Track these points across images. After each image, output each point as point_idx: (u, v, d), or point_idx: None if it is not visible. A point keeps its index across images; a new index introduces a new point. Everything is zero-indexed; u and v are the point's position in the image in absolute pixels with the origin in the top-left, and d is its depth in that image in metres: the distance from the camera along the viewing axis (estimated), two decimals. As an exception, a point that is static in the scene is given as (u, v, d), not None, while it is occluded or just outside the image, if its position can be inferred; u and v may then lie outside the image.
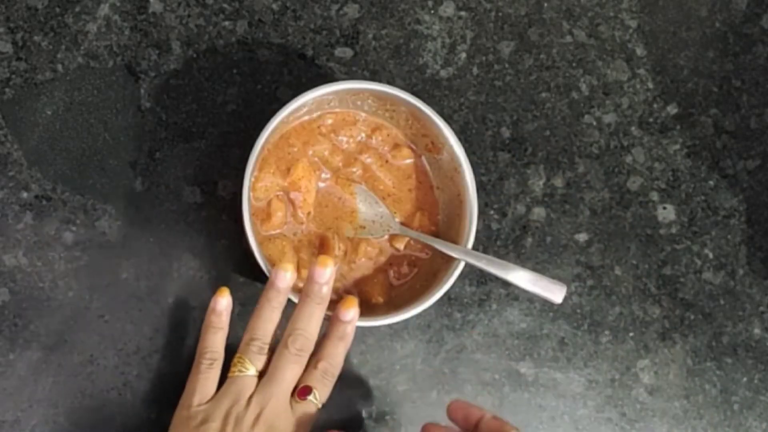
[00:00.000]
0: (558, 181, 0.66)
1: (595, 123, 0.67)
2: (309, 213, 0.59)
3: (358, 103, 0.60)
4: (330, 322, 0.56)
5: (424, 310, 0.56)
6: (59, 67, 0.61)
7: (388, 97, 0.58)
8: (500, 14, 0.67)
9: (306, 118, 0.60)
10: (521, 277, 0.55)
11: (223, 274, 0.61)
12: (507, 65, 0.66)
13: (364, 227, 0.60)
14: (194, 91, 0.62)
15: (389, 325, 0.62)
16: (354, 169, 0.60)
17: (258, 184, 0.58)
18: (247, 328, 0.56)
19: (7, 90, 0.60)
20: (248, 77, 0.63)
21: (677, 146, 0.68)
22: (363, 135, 0.61)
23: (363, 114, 0.61)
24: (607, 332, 0.65)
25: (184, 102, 0.62)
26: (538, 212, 0.65)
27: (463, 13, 0.66)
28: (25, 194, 0.59)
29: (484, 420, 0.53)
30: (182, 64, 0.62)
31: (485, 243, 0.64)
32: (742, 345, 0.67)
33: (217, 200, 0.61)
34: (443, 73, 0.65)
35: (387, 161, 0.61)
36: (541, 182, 0.66)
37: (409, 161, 0.61)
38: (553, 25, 0.67)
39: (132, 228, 0.60)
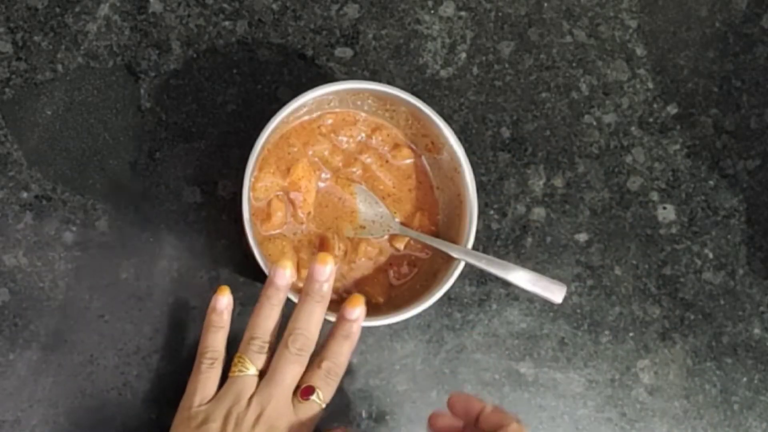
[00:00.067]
0: (558, 181, 0.66)
1: (595, 123, 0.67)
2: (309, 213, 0.59)
3: (358, 103, 0.60)
4: (336, 320, 0.56)
5: (424, 310, 0.56)
6: (59, 67, 0.61)
7: (388, 97, 0.58)
8: (500, 14, 0.67)
9: (306, 118, 0.60)
10: (521, 277, 0.55)
11: (223, 274, 0.61)
12: (507, 65, 0.66)
13: (364, 227, 0.60)
14: (194, 91, 0.62)
15: (389, 325, 0.62)
16: (354, 169, 0.60)
17: (258, 184, 0.58)
18: (247, 327, 0.55)
19: (7, 90, 0.60)
20: (248, 77, 0.63)
21: (677, 146, 0.68)
22: (363, 135, 0.61)
23: (363, 114, 0.61)
24: (607, 332, 0.65)
25: (184, 102, 0.62)
26: (538, 212, 0.65)
27: (463, 13, 0.66)
28: (25, 194, 0.59)
29: (485, 413, 0.52)
30: (182, 64, 0.62)
31: (485, 243, 0.64)
32: (742, 345, 0.67)
33: (217, 200, 0.61)
34: (443, 73, 0.65)
35: (387, 161, 0.61)
36: (541, 182, 0.66)
37: (409, 161, 0.61)
38: (553, 25, 0.67)
39: (132, 228, 0.60)
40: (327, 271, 0.54)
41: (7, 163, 0.59)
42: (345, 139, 0.60)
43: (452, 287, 0.57)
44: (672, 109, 0.68)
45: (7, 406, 0.58)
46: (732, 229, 0.68)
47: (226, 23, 0.63)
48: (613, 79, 0.67)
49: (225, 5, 0.63)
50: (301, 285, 0.58)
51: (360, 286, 0.60)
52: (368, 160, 0.61)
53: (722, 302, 0.67)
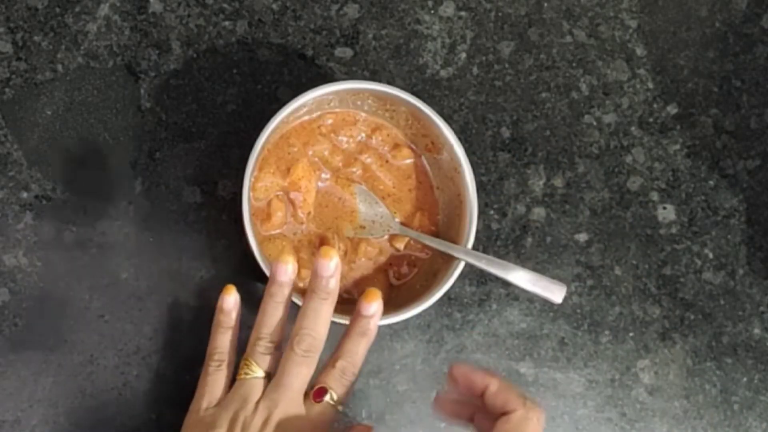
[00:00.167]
0: (558, 181, 0.66)
1: (595, 123, 0.67)
2: (309, 213, 0.59)
3: (358, 103, 0.60)
4: (352, 316, 0.54)
5: (424, 310, 0.56)
6: (59, 67, 0.61)
7: (388, 97, 0.58)
8: (500, 14, 0.67)
9: (306, 118, 0.60)
10: (521, 277, 0.55)
11: (223, 274, 0.61)
12: (507, 65, 0.66)
13: (364, 227, 0.60)
14: (194, 91, 0.62)
15: (389, 325, 0.62)
16: (354, 169, 0.60)
17: (258, 184, 0.58)
18: (253, 328, 0.54)
19: (7, 90, 0.60)
20: (248, 77, 0.63)
21: (677, 146, 0.68)
22: (363, 135, 0.61)
23: (363, 114, 0.61)
24: (607, 332, 0.65)
25: (184, 102, 0.62)
26: (538, 212, 0.65)
27: (463, 13, 0.66)
28: (25, 194, 0.59)
29: (489, 392, 0.49)
30: (182, 64, 0.62)
31: (485, 243, 0.64)
32: (742, 345, 0.67)
33: (217, 200, 0.61)
34: (443, 73, 0.65)
35: (387, 161, 0.61)
36: (541, 182, 0.66)
37: (409, 161, 0.61)
38: (553, 25, 0.67)
39: (132, 228, 0.60)
40: (332, 266, 0.52)
41: (7, 163, 0.59)
42: (345, 139, 0.60)
43: (452, 287, 0.57)
44: (672, 109, 0.68)
45: (7, 406, 0.58)
46: (732, 229, 0.68)
47: (226, 23, 0.63)
48: (613, 79, 0.67)
49: (225, 5, 0.63)
50: (301, 285, 0.58)
51: (360, 286, 0.60)
52: (368, 160, 0.61)
53: (722, 302, 0.67)
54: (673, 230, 0.67)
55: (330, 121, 0.60)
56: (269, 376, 0.53)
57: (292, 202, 0.59)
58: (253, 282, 0.61)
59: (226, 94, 0.63)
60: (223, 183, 0.62)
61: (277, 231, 0.59)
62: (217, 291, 0.60)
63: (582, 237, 0.66)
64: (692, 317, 0.66)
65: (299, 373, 0.52)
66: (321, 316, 0.52)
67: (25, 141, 0.60)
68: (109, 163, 0.61)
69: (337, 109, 0.60)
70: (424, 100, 0.58)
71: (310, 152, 0.59)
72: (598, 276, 0.66)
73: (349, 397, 0.54)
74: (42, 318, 0.59)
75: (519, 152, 0.66)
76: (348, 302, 0.58)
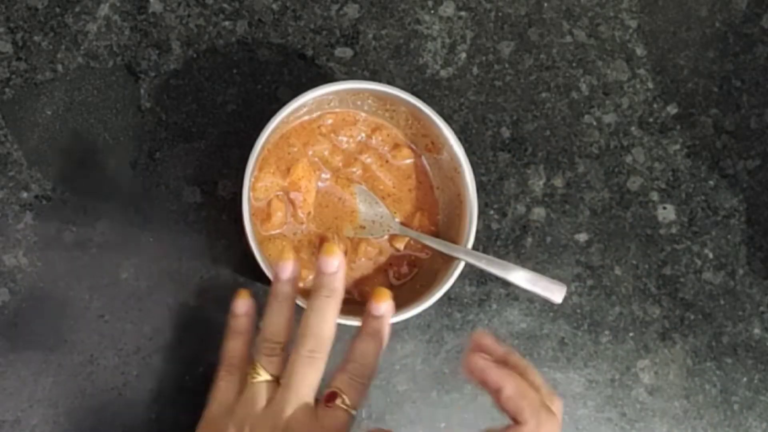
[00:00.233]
0: (558, 181, 0.66)
1: (595, 123, 0.67)
2: (309, 213, 0.59)
3: (358, 103, 0.60)
4: (363, 317, 0.53)
5: (424, 310, 0.56)
6: (59, 67, 0.61)
7: (388, 97, 0.58)
8: (500, 14, 0.67)
9: (306, 118, 0.60)
10: (521, 277, 0.55)
11: (223, 274, 0.61)
12: (507, 65, 0.66)
13: (364, 227, 0.60)
14: (194, 91, 0.62)
15: (389, 325, 0.62)
16: (354, 169, 0.60)
17: (258, 184, 0.58)
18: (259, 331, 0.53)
19: (7, 90, 0.60)
20: (248, 77, 0.63)
21: (677, 146, 0.68)
22: (363, 135, 0.61)
23: (363, 114, 0.61)
24: (607, 332, 0.65)
25: (184, 102, 0.62)
26: (538, 212, 0.65)
27: (463, 13, 0.66)
28: (25, 194, 0.59)
29: (504, 396, 0.46)
30: (182, 64, 0.62)
31: (485, 243, 0.64)
32: (742, 345, 0.67)
33: (217, 200, 0.61)
34: (443, 73, 0.65)
35: (387, 161, 0.61)
36: (541, 182, 0.66)
37: (409, 161, 0.61)
38: (553, 25, 0.67)
39: (132, 228, 0.60)
40: (335, 263, 0.51)
41: (7, 163, 0.59)
42: (345, 139, 0.60)
43: (452, 287, 0.57)
44: (672, 109, 0.68)
45: (7, 406, 0.58)
46: (732, 229, 0.68)
47: (226, 23, 0.63)
48: (613, 79, 0.67)
49: (225, 5, 0.63)
50: (301, 285, 0.58)
51: (360, 286, 0.60)
52: (368, 160, 0.61)
53: (722, 302, 0.67)
54: (673, 230, 0.67)
55: (330, 121, 0.60)
56: (278, 380, 0.51)
57: (292, 202, 0.59)
58: (253, 282, 0.61)
59: (226, 94, 0.63)
60: (223, 183, 0.62)
61: (277, 231, 0.59)
62: (217, 291, 0.60)
63: (582, 237, 0.66)
64: (692, 317, 0.66)
65: (306, 375, 0.49)
66: (326, 315, 0.51)
67: (25, 141, 0.60)
68: (109, 163, 0.61)
69: (337, 109, 0.60)
70: (424, 100, 0.58)
71: (310, 152, 0.59)
72: (598, 276, 0.66)
73: (363, 401, 0.51)
74: (42, 318, 0.59)
75: (519, 152, 0.66)
76: (348, 302, 0.58)
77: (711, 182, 0.68)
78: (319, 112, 0.60)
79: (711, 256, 0.67)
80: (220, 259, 0.61)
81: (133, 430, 0.59)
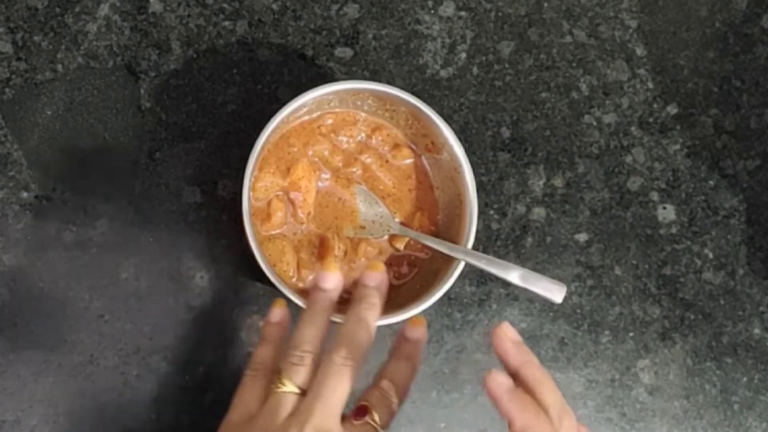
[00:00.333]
0: (558, 181, 0.66)
1: (595, 123, 0.67)
2: (309, 213, 0.59)
3: (358, 103, 0.60)
4: (395, 340, 0.53)
5: (424, 310, 0.56)
6: (59, 67, 0.61)
7: (388, 97, 0.58)
8: (500, 14, 0.67)
9: (306, 118, 0.60)
10: (521, 277, 0.55)
11: (223, 274, 0.61)
12: (507, 65, 0.66)
13: (364, 227, 0.60)
14: (194, 91, 0.62)
15: (389, 325, 0.62)
16: (354, 169, 0.60)
17: (258, 184, 0.58)
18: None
19: (7, 90, 0.60)
20: (248, 77, 0.63)
21: (677, 146, 0.68)
22: (363, 135, 0.61)
23: (363, 114, 0.61)
24: (607, 332, 0.65)
25: (184, 102, 0.62)
26: (538, 212, 0.65)
27: (463, 13, 0.66)
28: (25, 194, 0.59)
29: (511, 428, 0.45)
30: (182, 64, 0.62)
31: (485, 243, 0.64)
32: (742, 345, 0.67)
33: (217, 200, 0.61)
34: (443, 73, 0.65)
35: (387, 161, 0.61)
36: (541, 182, 0.66)
37: (409, 161, 0.61)
38: (553, 25, 0.67)
39: (132, 228, 0.60)
40: (378, 277, 0.52)
41: (7, 163, 0.59)
42: (345, 139, 0.60)
43: (452, 287, 0.57)
44: (672, 109, 0.68)
45: (7, 406, 0.58)
46: (732, 229, 0.68)
47: (226, 23, 0.63)
48: (613, 79, 0.67)
49: (225, 5, 0.63)
50: (301, 285, 0.58)
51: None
52: (368, 160, 0.61)
53: (722, 302, 0.67)
54: (673, 230, 0.67)
55: (330, 121, 0.60)
56: (303, 393, 0.48)
57: (292, 202, 0.59)
58: (253, 282, 0.61)
59: (226, 94, 0.63)
60: (223, 183, 0.62)
61: (277, 231, 0.59)
62: (217, 291, 0.60)
63: (582, 237, 0.66)
64: (692, 317, 0.66)
65: (337, 384, 0.47)
66: (364, 325, 0.49)
67: (25, 141, 0.60)
68: (109, 163, 0.61)
69: (337, 109, 0.60)
70: (424, 100, 0.58)
71: (310, 152, 0.59)
72: (598, 276, 0.66)
73: (391, 423, 0.49)
74: (42, 318, 0.59)
75: (519, 152, 0.66)
76: (347, 302, 0.58)
77: (711, 182, 0.68)
78: (319, 112, 0.60)
79: (711, 256, 0.67)
80: (220, 259, 0.61)
81: (133, 430, 0.59)
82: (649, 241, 0.66)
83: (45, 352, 0.58)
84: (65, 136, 0.60)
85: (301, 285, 0.58)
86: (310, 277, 0.58)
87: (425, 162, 0.62)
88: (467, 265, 0.57)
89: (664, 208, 0.67)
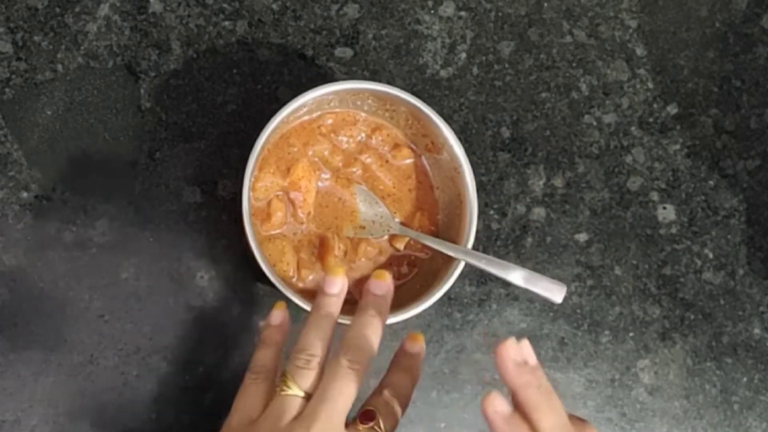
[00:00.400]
0: (558, 181, 0.66)
1: (595, 123, 0.67)
2: (309, 213, 0.59)
3: (358, 103, 0.60)
4: (396, 351, 0.54)
5: (424, 310, 0.56)
6: (59, 67, 0.61)
7: (388, 97, 0.58)
8: (500, 14, 0.67)
9: (306, 118, 0.60)
10: (521, 277, 0.55)
11: (223, 274, 0.61)
12: (507, 65, 0.66)
13: (364, 227, 0.60)
14: (194, 91, 0.62)
15: (389, 325, 0.62)
16: (354, 169, 0.60)
17: (258, 184, 0.58)
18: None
19: (7, 90, 0.60)
20: (248, 77, 0.63)
21: (677, 146, 0.68)
22: (363, 135, 0.61)
23: (363, 114, 0.61)
24: (607, 332, 0.65)
25: (184, 102, 0.62)
26: (538, 212, 0.65)
27: (463, 13, 0.66)
28: (25, 194, 0.59)
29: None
30: (182, 64, 0.62)
31: (485, 243, 0.64)
32: (742, 345, 0.67)
33: (217, 200, 0.61)
34: (443, 73, 0.65)
35: (387, 161, 0.61)
36: (541, 182, 0.66)
37: (409, 161, 0.61)
38: (553, 25, 0.67)
39: (132, 228, 0.60)
40: (385, 287, 0.52)
41: (7, 163, 0.59)
42: (345, 139, 0.60)
43: (452, 287, 0.57)
44: (672, 109, 0.68)
45: (7, 406, 0.58)
46: (732, 229, 0.68)
47: (226, 23, 0.63)
48: (613, 79, 0.67)
49: (225, 5, 0.63)
50: (301, 285, 0.58)
51: (360, 286, 0.59)
52: (368, 160, 0.61)
53: (722, 302, 0.67)
54: (673, 230, 0.67)
55: (330, 121, 0.60)
56: (309, 397, 0.47)
57: (292, 202, 0.59)
58: (254, 282, 0.61)
59: (226, 94, 0.63)
60: (223, 183, 0.62)
61: (277, 231, 0.59)
62: (217, 291, 0.60)
63: (582, 237, 0.66)
64: (692, 317, 0.66)
65: (343, 389, 0.46)
66: (371, 330, 0.50)
67: (25, 141, 0.60)
68: (109, 163, 0.61)
69: (337, 109, 0.60)
70: (424, 100, 0.58)
71: (310, 152, 0.59)
72: (598, 276, 0.66)
73: (395, 431, 0.50)
74: (42, 318, 0.59)
75: (519, 152, 0.66)
76: (348, 302, 0.58)
77: (711, 182, 0.68)
78: (319, 112, 0.60)
79: (711, 256, 0.67)
80: (220, 259, 0.61)
81: (133, 430, 0.59)
82: (649, 241, 0.66)
83: (45, 352, 0.58)
84: (65, 136, 0.60)
85: (301, 285, 0.58)
86: (311, 277, 0.58)
87: (425, 162, 0.62)
88: (467, 265, 0.57)
89: (664, 208, 0.67)
